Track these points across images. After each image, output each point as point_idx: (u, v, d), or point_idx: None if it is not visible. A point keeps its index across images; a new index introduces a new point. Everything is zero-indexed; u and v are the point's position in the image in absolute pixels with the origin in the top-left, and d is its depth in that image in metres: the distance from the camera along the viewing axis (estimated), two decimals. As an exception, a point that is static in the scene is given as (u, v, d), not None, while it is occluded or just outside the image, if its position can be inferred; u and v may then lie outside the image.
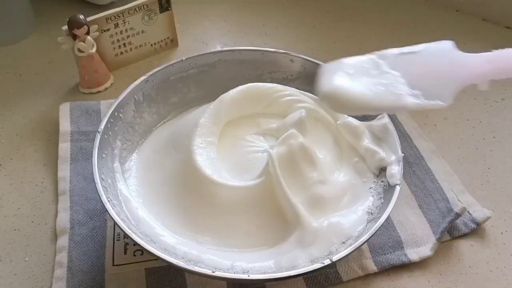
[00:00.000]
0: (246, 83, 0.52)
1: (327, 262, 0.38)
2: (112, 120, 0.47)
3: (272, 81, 0.54)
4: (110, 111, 0.47)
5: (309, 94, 0.52)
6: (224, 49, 0.55)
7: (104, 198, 0.40)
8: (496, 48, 0.40)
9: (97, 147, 0.44)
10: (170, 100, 0.53)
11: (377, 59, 0.40)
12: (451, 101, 0.38)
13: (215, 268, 0.39)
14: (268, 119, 0.51)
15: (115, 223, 0.45)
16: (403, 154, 0.45)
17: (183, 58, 0.53)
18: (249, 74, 0.55)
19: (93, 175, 0.42)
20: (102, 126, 0.46)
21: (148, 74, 0.51)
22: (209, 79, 0.54)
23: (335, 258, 0.38)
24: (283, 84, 0.53)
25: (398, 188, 0.43)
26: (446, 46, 0.39)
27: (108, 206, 0.40)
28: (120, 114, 0.48)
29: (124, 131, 0.49)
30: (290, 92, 0.51)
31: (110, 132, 0.47)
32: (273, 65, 0.55)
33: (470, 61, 0.37)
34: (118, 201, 0.43)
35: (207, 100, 0.51)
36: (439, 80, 0.38)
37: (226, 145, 0.49)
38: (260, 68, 0.55)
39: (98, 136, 0.45)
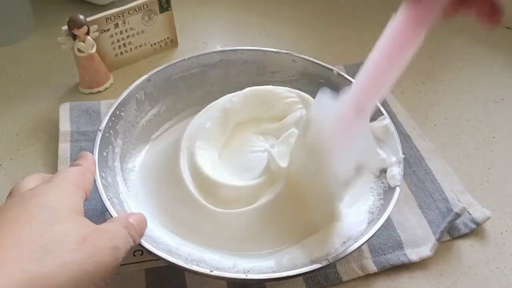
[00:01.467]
0: (248, 83, 0.52)
1: (325, 262, 0.38)
2: (113, 118, 0.47)
3: (273, 81, 0.55)
4: (112, 110, 0.47)
5: (307, 95, 0.52)
6: (226, 48, 0.55)
7: (104, 196, 0.40)
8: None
9: (98, 145, 0.44)
10: (172, 99, 0.53)
11: None
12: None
13: (215, 268, 0.39)
14: (268, 119, 0.51)
15: (115, 223, 0.45)
16: (403, 156, 0.45)
17: (185, 58, 0.53)
18: (250, 74, 0.55)
19: None
20: (103, 125, 0.46)
21: (150, 73, 0.51)
22: (210, 79, 0.55)
23: (334, 258, 0.38)
24: (285, 85, 0.53)
25: (398, 189, 0.43)
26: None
27: (107, 204, 0.40)
28: (121, 113, 0.48)
29: (125, 129, 0.49)
30: (290, 94, 0.51)
31: (111, 131, 0.47)
32: (275, 65, 0.55)
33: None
34: (119, 200, 0.43)
35: (208, 100, 0.51)
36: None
37: (227, 145, 0.49)
38: (262, 68, 0.55)
39: (99, 134, 0.45)
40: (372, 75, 0.34)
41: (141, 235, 0.37)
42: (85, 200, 0.36)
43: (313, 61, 0.53)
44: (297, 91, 0.52)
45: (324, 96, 0.36)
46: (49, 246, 0.29)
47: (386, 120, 0.48)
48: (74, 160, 0.50)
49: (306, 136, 0.38)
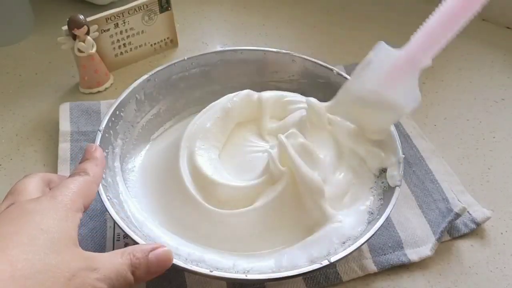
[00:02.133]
0: (248, 83, 0.52)
1: (325, 263, 0.38)
2: (113, 118, 0.47)
3: (273, 81, 0.55)
4: (112, 110, 0.47)
5: (311, 98, 0.52)
6: (226, 48, 0.55)
7: (104, 197, 0.40)
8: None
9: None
10: (172, 100, 0.53)
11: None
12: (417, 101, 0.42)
13: (215, 268, 0.39)
14: (269, 120, 0.51)
15: (114, 223, 0.45)
16: (403, 156, 0.45)
17: (185, 58, 0.53)
18: (250, 74, 0.55)
19: None
20: (103, 125, 0.46)
21: (150, 73, 0.51)
22: (210, 79, 0.54)
23: (334, 258, 0.38)
24: (285, 84, 0.53)
25: (398, 190, 0.43)
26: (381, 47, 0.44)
27: (107, 204, 0.40)
28: (121, 113, 0.48)
29: (125, 130, 0.49)
30: (292, 97, 0.51)
31: (111, 131, 0.47)
32: (275, 65, 0.55)
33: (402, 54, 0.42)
34: (118, 200, 0.43)
35: (208, 100, 0.51)
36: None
37: (227, 145, 0.49)
38: (262, 68, 0.55)
39: (99, 135, 0.45)
40: (431, 35, 0.40)
41: (156, 274, 0.35)
42: (84, 211, 0.35)
43: (313, 61, 0.53)
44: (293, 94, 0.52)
45: (384, 46, 0.44)
46: (40, 275, 0.28)
47: None
48: (78, 159, 0.50)
49: (362, 74, 0.44)
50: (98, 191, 0.40)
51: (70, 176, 0.37)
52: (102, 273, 0.31)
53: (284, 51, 0.54)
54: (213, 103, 0.50)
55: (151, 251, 0.34)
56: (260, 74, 0.55)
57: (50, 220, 0.31)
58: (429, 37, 0.40)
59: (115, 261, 0.32)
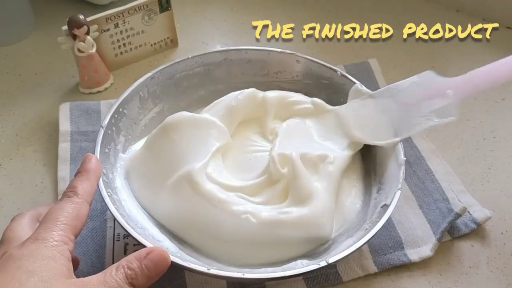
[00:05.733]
0: (251, 83, 0.52)
1: (325, 263, 0.38)
2: (116, 115, 0.47)
3: (277, 81, 0.55)
4: (115, 107, 0.47)
5: (316, 99, 0.52)
6: (230, 48, 0.55)
7: (104, 193, 0.40)
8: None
9: (100, 142, 0.44)
10: (175, 98, 0.53)
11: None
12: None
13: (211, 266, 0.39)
14: (272, 119, 0.51)
15: (114, 223, 0.45)
16: (405, 158, 0.45)
17: (189, 56, 0.53)
18: (254, 74, 0.55)
19: None
20: (106, 121, 0.46)
21: (154, 71, 0.51)
22: (214, 78, 0.54)
23: (333, 259, 0.38)
24: (288, 84, 0.53)
25: (399, 192, 0.42)
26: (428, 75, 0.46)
27: (107, 200, 0.40)
28: (124, 110, 0.48)
29: (128, 127, 0.49)
30: (296, 97, 0.51)
31: (113, 128, 0.47)
32: (279, 65, 0.55)
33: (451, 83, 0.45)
34: (118, 197, 0.43)
35: (211, 99, 0.51)
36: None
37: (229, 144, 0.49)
38: (266, 68, 0.55)
39: (102, 131, 0.45)
40: (477, 82, 0.43)
41: (157, 276, 0.35)
42: (77, 235, 0.35)
43: (317, 62, 0.53)
44: (298, 94, 0.52)
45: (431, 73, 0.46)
46: None
47: None
48: (78, 159, 0.51)
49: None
50: (98, 188, 0.40)
51: (58, 200, 0.36)
52: None
53: (288, 51, 0.54)
54: (217, 100, 0.50)
55: (145, 256, 0.34)
56: (263, 74, 0.55)
57: (37, 262, 0.32)
58: (484, 79, 0.43)
59: (109, 280, 0.32)
